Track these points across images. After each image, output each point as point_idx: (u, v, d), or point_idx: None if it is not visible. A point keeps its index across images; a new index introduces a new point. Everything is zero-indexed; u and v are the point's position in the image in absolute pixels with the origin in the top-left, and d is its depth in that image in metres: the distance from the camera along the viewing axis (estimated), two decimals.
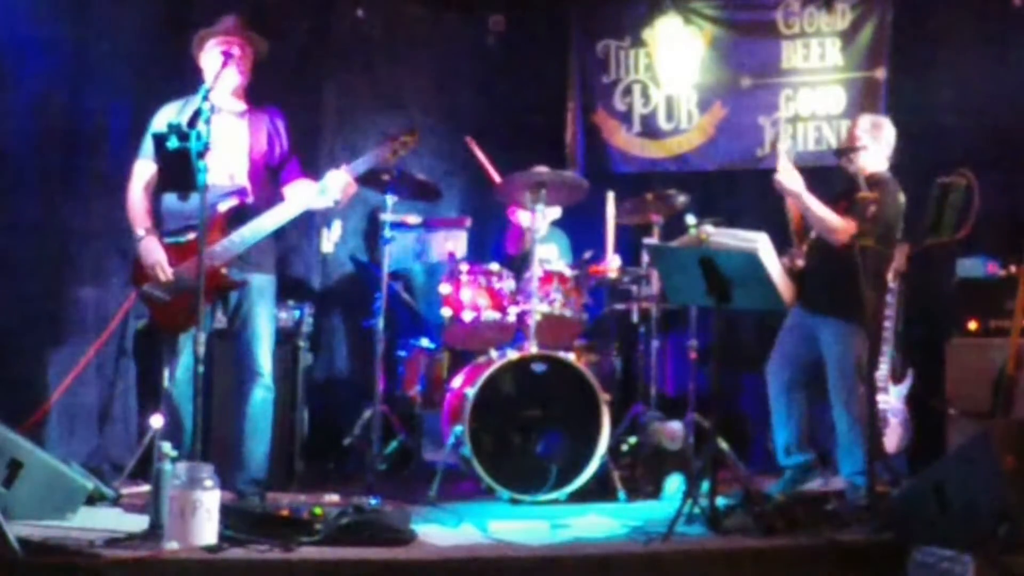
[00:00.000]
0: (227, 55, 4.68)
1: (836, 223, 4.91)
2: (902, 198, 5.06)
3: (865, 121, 5.24)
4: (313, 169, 6.56)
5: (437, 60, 7.26)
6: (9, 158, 5.60)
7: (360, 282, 6.84)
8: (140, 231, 4.72)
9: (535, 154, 6.37)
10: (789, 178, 4.93)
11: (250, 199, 4.78)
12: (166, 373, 4.87)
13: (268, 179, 4.88)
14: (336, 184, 4.79)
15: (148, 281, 4.67)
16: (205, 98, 4.20)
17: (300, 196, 4.82)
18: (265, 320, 4.81)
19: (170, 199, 4.71)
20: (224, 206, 4.68)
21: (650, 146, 7.21)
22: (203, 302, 4.11)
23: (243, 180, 4.79)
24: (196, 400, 4.13)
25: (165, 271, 4.63)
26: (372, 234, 6.66)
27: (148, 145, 4.72)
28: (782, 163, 4.99)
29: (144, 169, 4.78)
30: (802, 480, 5.21)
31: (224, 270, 4.65)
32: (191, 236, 4.59)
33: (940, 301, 5.97)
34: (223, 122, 4.74)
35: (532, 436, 5.21)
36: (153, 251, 4.66)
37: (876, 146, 5.12)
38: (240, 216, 4.71)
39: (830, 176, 5.52)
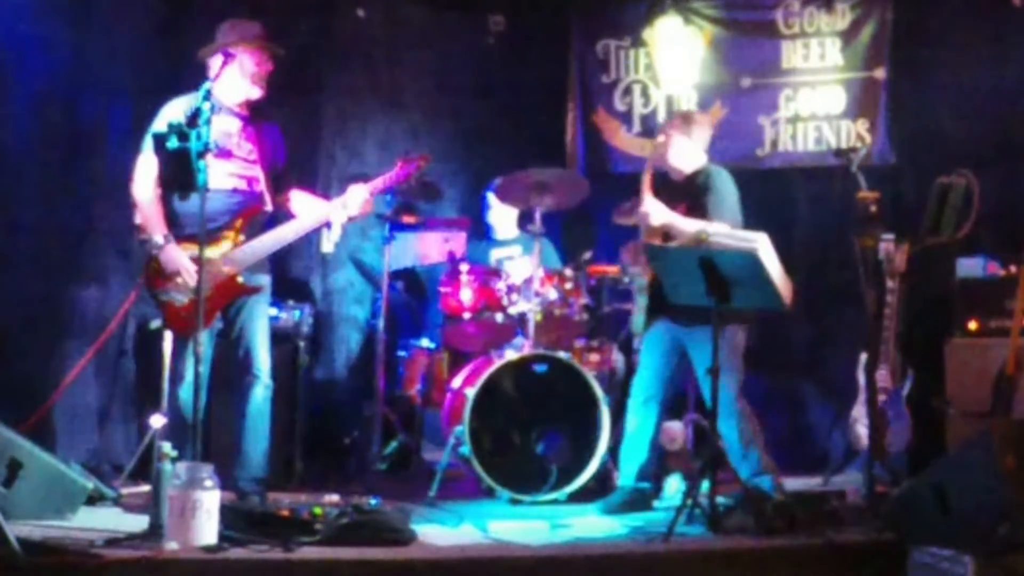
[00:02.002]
0: (228, 55, 4.58)
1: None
2: (733, 184, 5.01)
3: (676, 118, 5.28)
4: (312, 169, 6.60)
5: (437, 60, 7.25)
6: (9, 158, 5.60)
7: (360, 282, 6.84)
8: (159, 237, 4.59)
9: (535, 154, 6.37)
10: (656, 211, 4.92)
11: (268, 207, 4.78)
12: (166, 374, 4.85)
13: (274, 190, 4.87)
14: (356, 199, 4.78)
15: (166, 285, 4.61)
16: (206, 98, 4.18)
17: (320, 208, 4.82)
18: (263, 320, 4.80)
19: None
20: (243, 211, 4.66)
21: (650, 146, 7.18)
22: (203, 303, 4.10)
23: (262, 187, 4.77)
24: (197, 400, 4.12)
25: (192, 277, 4.53)
26: (372, 234, 6.66)
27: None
28: (647, 194, 4.98)
29: (150, 165, 4.65)
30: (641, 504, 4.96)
31: (240, 277, 4.63)
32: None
33: (940, 301, 5.96)
34: (237, 128, 4.73)
35: (532, 436, 5.22)
36: (176, 258, 4.57)
37: (688, 140, 5.11)
38: (258, 223, 4.70)
39: (830, 176, 5.52)
